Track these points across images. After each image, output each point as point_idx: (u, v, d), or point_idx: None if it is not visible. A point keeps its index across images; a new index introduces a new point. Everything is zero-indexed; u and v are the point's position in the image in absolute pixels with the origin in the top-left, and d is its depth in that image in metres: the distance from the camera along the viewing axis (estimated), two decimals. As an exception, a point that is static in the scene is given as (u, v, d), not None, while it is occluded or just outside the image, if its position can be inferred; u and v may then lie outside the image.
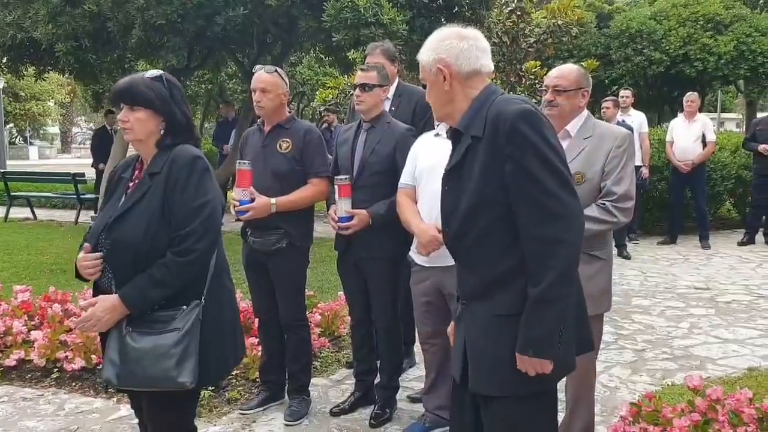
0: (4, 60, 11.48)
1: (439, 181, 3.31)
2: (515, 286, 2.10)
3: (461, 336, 2.27)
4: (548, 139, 2.06)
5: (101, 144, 12.45)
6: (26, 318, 5.02)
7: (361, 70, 3.81)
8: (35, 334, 4.68)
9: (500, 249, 2.12)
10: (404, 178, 3.55)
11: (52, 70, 11.89)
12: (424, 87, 2.37)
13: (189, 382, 2.38)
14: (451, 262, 3.31)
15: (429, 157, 3.40)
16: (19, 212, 12.91)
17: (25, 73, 12.42)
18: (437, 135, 3.49)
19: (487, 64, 2.23)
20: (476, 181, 2.11)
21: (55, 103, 36.65)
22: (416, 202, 3.49)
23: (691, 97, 9.17)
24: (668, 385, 4.34)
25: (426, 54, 2.24)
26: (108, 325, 2.43)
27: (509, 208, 2.08)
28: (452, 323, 2.46)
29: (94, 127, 41.58)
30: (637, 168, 8.96)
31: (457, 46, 2.20)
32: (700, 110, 10.03)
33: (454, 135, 2.26)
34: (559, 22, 10.90)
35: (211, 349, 2.46)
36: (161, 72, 2.57)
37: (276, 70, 3.81)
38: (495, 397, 2.16)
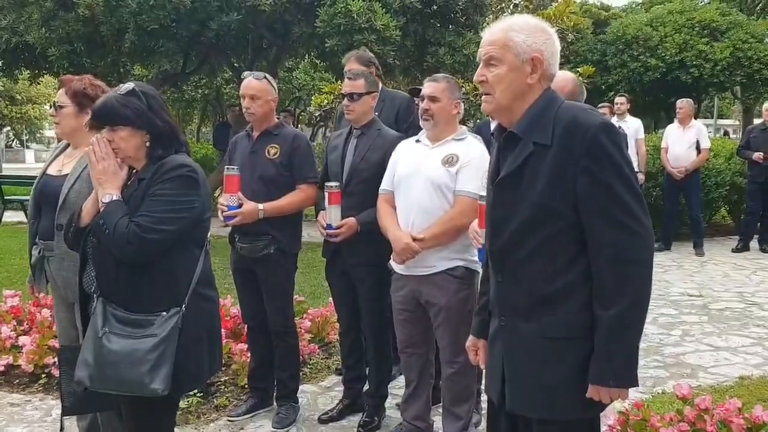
0: (0, 63, 11.48)
1: (416, 189, 3.33)
2: (569, 305, 2.00)
3: (498, 355, 2.15)
4: (626, 155, 1.98)
5: (222, 136, 13.37)
6: (15, 323, 4.99)
7: (348, 78, 3.79)
8: (23, 340, 4.65)
9: (559, 265, 2.00)
10: (384, 184, 3.52)
11: (47, 74, 11.88)
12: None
13: (161, 389, 2.35)
14: (428, 270, 3.34)
15: (408, 165, 3.38)
16: (12, 216, 12.86)
17: (20, 76, 12.44)
18: (418, 141, 3.47)
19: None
20: (540, 192, 1.98)
21: (51, 107, 36.61)
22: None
23: (680, 104, 9.18)
24: (658, 393, 4.31)
25: (520, 37, 2.03)
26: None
27: (574, 222, 1.97)
28: (474, 339, 2.36)
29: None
30: (633, 174, 8.96)
31: (554, 46, 2.09)
32: (696, 117, 10.03)
33: (506, 139, 2.10)
34: (555, 29, 10.89)
35: (187, 357, 2.43)
36: (133, 85, 2.53)
37: (265, 77, 3.81)
38: (537, 419, 2.08)
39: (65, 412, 2.90)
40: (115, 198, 2.44)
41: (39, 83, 14.55)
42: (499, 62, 2.05)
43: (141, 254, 2.40)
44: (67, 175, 3.09)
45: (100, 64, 10.90)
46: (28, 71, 11.92)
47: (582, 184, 1.95)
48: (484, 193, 2.64)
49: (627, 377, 1.97)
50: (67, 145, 3.29)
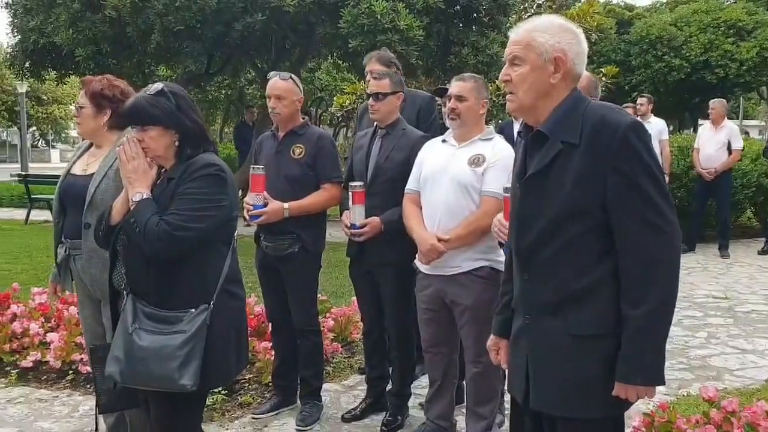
0: (27, 64, 11.65)
1: (442, 189, 3.34)
2: (596, 303, 2.00)
3: (522, 353, 2.16)
4: (655, 155, 1.99)
5: (242, 136, 13.91)
6: (43, 320, 5.06)
7: (374, 78, 3.81)
8: (52, 336, 4.72)
9: (585, 263, 2.01)
10: (410, 184, 3.52)
11: (73, 75, 12.04)
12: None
13: (190, 385, 2.38)
14: (453, 270, 3.35)
15: (434, 165, 3.38)
16: (39, 215, 13.05)
17: (47, 77, 12.60)
18: (444, 141, 3.48)
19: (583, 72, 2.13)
20: (568, 191, 1.99)
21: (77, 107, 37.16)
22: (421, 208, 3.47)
23: (713, 104, 9.10)
24: (683, 395, 4.28)
25: (544, 37, 2.05)
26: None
27: (601, 220, 1.98)
28: (496, 339, 2.36)
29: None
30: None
31: (578, 46, 2.08)
32: (723, 118, 9.90)
33: (534, 138, 2.11)
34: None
35: (215, 354, 2.46)
36: (162, 85, 2.56)
37: (291, 77, 3.83)
38: (561, 417, 2.08)
39: (101, 410, 2.94)
40: (145, 197, 2.48)
41: (65, 84, 14.73)
42: (522, 62, 2.07)
43: (171, 252, 2.43)
44: (92, 174, 3.13)
45: (125, 65, 11.04)
46: (55, 72, 12.07)
47: (611, 184, 1.95)
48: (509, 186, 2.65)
49: (655, 375, 1.97)
50: (91, 145, 3.33)
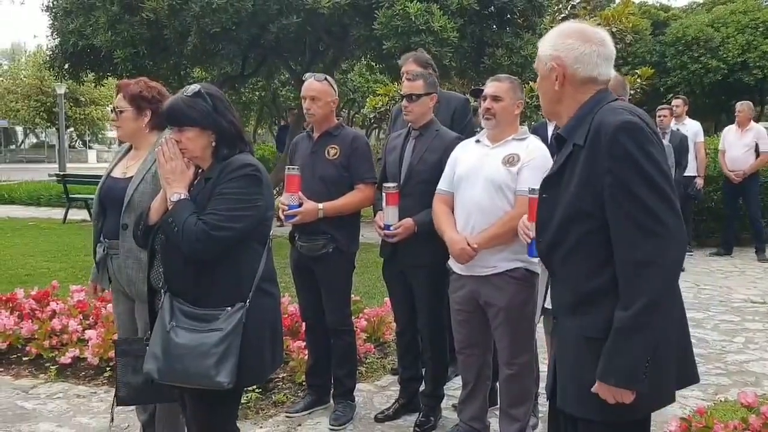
0: (66, 66, 11.86)
1: (476, 189, 3.33)
2: (604, 306, 1.99)
3: (554, 353, 2.22)
4: (650, 154, 1.94)
5: (283, 139, 14.24)
6: (81, 317, 5.16)
7: (407, 79, 3.82)
8: (89, 333, 4.81)
9: (590, 266, 2.02)
10: (442, 185, 3.51)
11: (111, 76, 12.24)
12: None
13: (227, 382, 2.41)
14: (487, 271, 3.34)
15: (468, 165, 3.38)
16: (76, 214, 13.28)
17: (85, 79, 12.81)
18: (478, 141, 3.47)
19: (606, 72, 2.12)
20: (573, 192, 2.02)
21: (113, 112, 37.85)
22: (453, 209, 3.46)
23: (739, 107, 8.98)
24: (721, 401, 4.21)
25: (544, 47, 2.15)
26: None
27: (604, 223, 1.98)
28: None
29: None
30: (692, 178, 8.78)
31: (578, 49, 2.10)
32: (758, 120, 9.76)
33: (557, 140, 2.17)
34: (613, 30, 10.76)
35: (250, 352, 2.49)
36: (199, 87, 2.60)
37: (326, 78, 3.86)
38: (581, 418, 2.09)
39: (119, 402, 3.01)
40: (183, 197, 2.51)
41: (103, 85, 14.98)
42: (538, 73, 2.20)
43: (208, 251, 2.46)
44: (131, 177, 3.19)
45: (162, 67, 11.19)
46: (93, 73, 12.27)
47: (606, 185, 1.96)
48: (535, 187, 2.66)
49: (630, 378, 1.93)
50: (130, 148, 3.39)
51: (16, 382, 4.61)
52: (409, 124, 3.84)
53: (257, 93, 20.63)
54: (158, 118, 3.07)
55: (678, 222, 1.95)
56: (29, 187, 17.92)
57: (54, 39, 11.67)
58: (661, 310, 1.93)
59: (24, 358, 4.85)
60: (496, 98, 3.31)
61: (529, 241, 2.85)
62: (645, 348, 1.92)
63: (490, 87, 3.35)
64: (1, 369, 4.80)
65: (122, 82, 3.38)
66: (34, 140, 45.94)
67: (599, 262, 2.01)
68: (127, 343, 3.01)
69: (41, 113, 36.67)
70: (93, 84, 15.26)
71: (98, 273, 3.34)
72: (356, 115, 24.29)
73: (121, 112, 3.23)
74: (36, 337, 4.92)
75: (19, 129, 44.21)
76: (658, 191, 1.93)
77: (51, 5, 11.42)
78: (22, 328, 4.97)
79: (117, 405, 3.04)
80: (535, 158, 3.22)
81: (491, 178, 3.27)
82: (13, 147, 45.34)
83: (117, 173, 3.32)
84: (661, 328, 1.94)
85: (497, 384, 3.58)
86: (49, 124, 38.91)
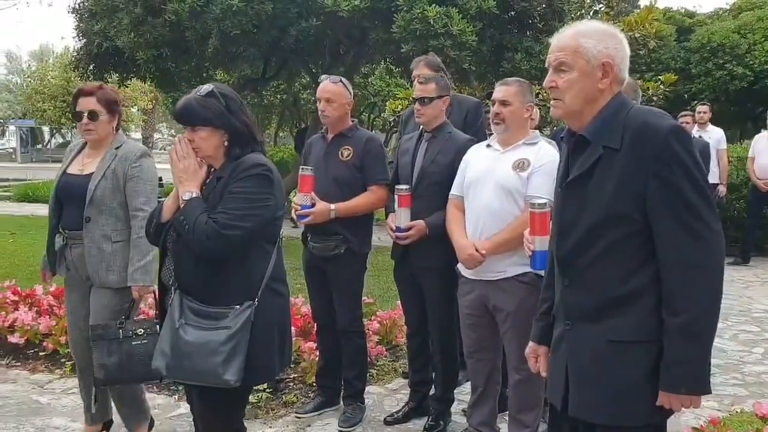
0: (91, 67, 11.99)
1: (486, 194, 3.31)
2: (636, 310, 1.98)
3: (562, 360, 2.14)
4: (697, 160, 1.96)
5: (302, 140, 14.48)
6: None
7: (419, 82, 3.81)
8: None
9: (627, 269, 2.00)
10: (454, 189, 3.52)
11: (135, 78, 12.35)
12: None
13: (234, 380, 2.43)
14: (496, 276, 3.31)
15: (478, 169, 3.37)
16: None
17: (109, 80, 12.93)
18: (489, 146, 3.46)
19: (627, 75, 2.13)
20: (609, 195, 1.98)
21: (138, 110, 38.03)
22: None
23: None
24: (737, 411, 4.15)
25: (590, 42, 2.05)
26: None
27: (643, 226, 1.97)
28: (535, 346, 2.36)
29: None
30: (714, 186, 8.67)
31: (624, 51, 2.09)
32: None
33: (576, 142, 2.11)
34: (637, 35, 10.65)
35: (258, 351, 2.50)
36: (212, 86, 2.61)
37: (340, 80, 3.87)
38: (601, 425, 2.06)
39: (96, 383, 3.25)
40: (195, 195, 2.53)
41: (126, 86, 15.12)
42: (569, 68, 2.07)
43: (219, 250, 2.48)
44: (89, 174, 3.39)
45: (184, 68, 11.27)
46: (117, 74, 12.38)
47: (652, 188, 1.94)
48: (544, 200, 2.64)
49: (699, 384, 1.94)
50: (83, 147, 3.56)
51: (32, 376, 4.68)
52: (421, 126, 3.84)
53: (279, 96, 20.71)
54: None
55: (720, 227, 1.97)
56: (52, 185, 18.06)
57: (80, 40, 11.80)
58: (716, 312, 1.95)
59: (41, 354, 4.92)
60: (504, 102, 3.29)
61: (530, 254, 2.83)
62: (707, 351, 1.95)
63: (499, 91, 3.33)
64: (18, 363, 4.88)
65: (89, 87, 3.52)
66: (60, 140, 46.45)
67: (632, 267, 1.99)
68: (101, 328, 3.21)
69: (67, 113, 37.08)
70: (117, 85, 15.41)
71: (55, 261, 3.51)
72: (377, 119, 24.29)
73: (97, 115, 3.39)
74: (53, 333, 4.97)
75: (45, 129, 44.71)
76: (705, 196, 1.95)
77: (77, 7, 11.55)
78: (39, 323, 5.03)
79: (98, 386, 3.27)
80: (545, 164, 3.19)
81: (501, 183, 3.25)
82: (39, 146, 45.89)
83: (73, 170, 3.51)
84: (714, 329, 1.96)
85: (507, 389, 3.56)
86: (74, 125, 39.28)
